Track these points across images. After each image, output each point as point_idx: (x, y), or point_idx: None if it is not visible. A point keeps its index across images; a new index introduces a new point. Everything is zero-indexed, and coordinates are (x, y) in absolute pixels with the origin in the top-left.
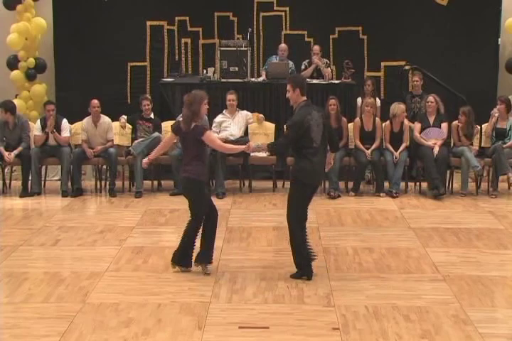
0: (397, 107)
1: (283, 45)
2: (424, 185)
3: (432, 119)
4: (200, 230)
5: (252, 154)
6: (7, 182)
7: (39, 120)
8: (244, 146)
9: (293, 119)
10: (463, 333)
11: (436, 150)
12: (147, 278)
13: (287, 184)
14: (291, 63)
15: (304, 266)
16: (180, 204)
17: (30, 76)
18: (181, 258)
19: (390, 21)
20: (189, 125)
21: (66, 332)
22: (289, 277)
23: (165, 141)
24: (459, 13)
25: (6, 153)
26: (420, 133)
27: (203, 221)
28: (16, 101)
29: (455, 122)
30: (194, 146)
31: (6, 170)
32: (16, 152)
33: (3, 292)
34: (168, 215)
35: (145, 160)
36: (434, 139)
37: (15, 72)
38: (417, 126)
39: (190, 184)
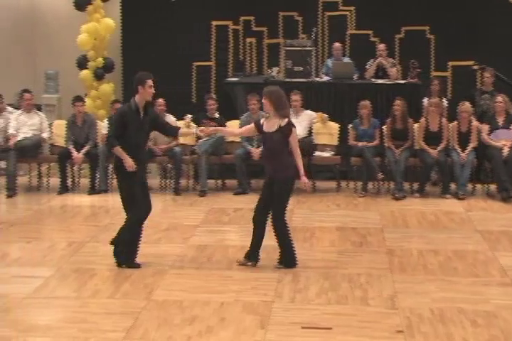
0: (462, 105)
1: (337, 44)
2: (493, 187)
3: (500, 120)
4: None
5: (315, 154)
6: (76, 179)
7: (107, 119)
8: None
9: None
10: None
11: (505, 151)
12: (211, 276)
13: (351, 184)
14: (349, 60)
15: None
16: (244, 204)
17: (99, 75)
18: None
19: (458, 20)
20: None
21: (131, 328)
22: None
23: None
24: None
25: (75, 154)
26: (489, 135)
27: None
28: None
29: None
30: None
31: (74, 167)
32: (83, 151)
33: (72, 287)
34: (232, 214)
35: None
36: (503, 140)
37: (84, 72)
38: (485, 127)
39: None
